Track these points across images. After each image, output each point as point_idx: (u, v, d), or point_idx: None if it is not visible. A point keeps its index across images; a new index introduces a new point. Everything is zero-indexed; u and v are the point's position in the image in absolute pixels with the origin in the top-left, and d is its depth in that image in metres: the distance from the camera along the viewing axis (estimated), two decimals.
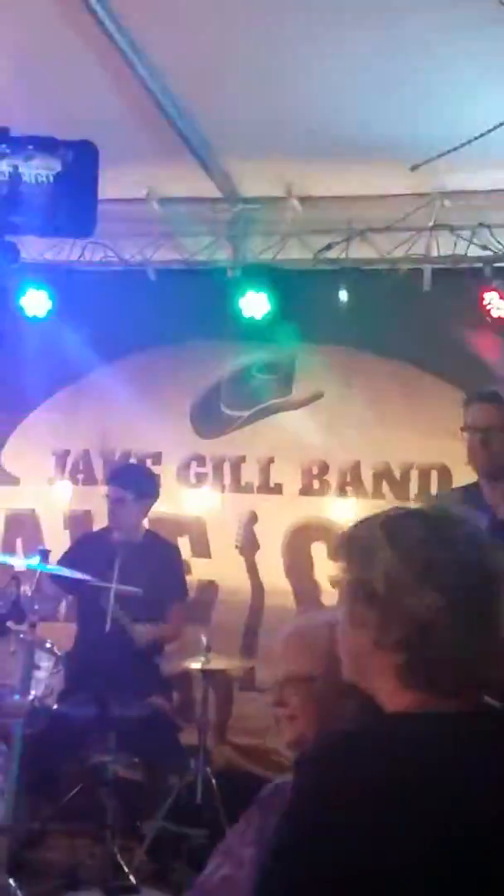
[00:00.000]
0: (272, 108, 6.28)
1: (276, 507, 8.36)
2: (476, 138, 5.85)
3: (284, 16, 5.39)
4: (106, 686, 6.52)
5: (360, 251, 7.55)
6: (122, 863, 6.05)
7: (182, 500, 8.55)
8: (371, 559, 2.31)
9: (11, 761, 5.94)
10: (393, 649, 2.26)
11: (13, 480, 8.97)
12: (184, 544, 8.31)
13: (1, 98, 5.94)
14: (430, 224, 7.29)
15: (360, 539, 2.38)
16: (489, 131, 5.83)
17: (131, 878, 5.98)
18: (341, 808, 2.13)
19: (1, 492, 8.99)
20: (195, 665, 6.69)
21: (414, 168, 6.38)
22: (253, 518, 8.35)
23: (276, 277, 7.74)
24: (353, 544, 2.40)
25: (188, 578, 8.01)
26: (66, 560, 7.33)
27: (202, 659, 6.65)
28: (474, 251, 7.30)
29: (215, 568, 8.43)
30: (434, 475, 7.79)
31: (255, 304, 7.72)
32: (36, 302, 8.04)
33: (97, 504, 7.93)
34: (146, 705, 6.88)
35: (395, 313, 7.78)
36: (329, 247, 7.52)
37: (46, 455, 8.89)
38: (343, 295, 7.61)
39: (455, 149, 6.01)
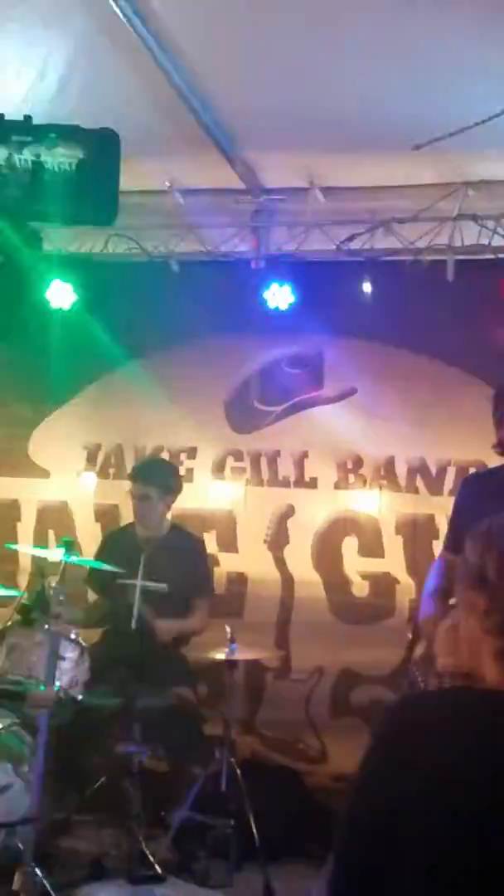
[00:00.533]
0: (295, 99, 6.26)
1: (311, 500, 8.38)
2: (485, 121, 5.82)
3: (307, 6, 5.37)
4: (131, 677, 6.55)
5: (384, 241, 7.54)
6: (148, 852, 6.05)
7: (213, 495, 8.58)
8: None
9: (37, 752, 5.95)
10: (494, 633, 2.31)
11: (43, 473, 9.00)
12: (210, 539, 8.33)
13: (25, 89, 5.96)
14: (454, 214, 7.27)
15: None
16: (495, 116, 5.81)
17: (157, 867, 5.98)
18: (383, 756, 2.27)
19: (32, 484, 9.02)
20: (220, 656, 6.70)
21: (416, 147, 6.34)
22: (289, 512, 8.37)
23: (299, 269, 7.75)
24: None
25: (216, 571, 8.05)
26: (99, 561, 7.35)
27: (227, 650, 6.66)
28: (498, 241, 7.28)
29: (243, 562, 8.45)
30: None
31: (278, 295, 7.75)
32: (61, 294, 8.05)
33: (125, 498, 7.93)
34: (171, 696, 6.90)
35: (419, 304, 7.78)
36: (352, 237, 7.52)
37: (77, 449, 8.93)
38: (367, 286, 7.61)
39: (462, 130, 5.97)
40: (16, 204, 2.50)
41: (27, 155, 2.45)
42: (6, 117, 3.01)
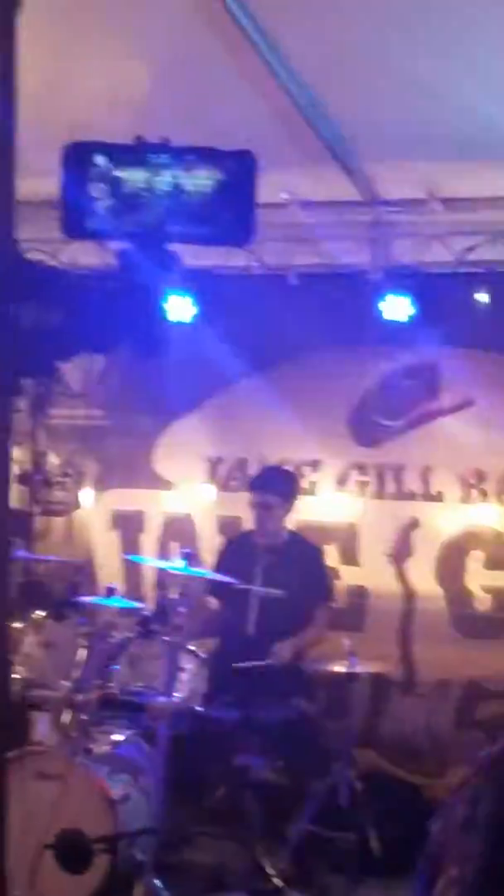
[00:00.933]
0: (413, 110, 6.24)
1: (436, 514, 8.35)
2: None
3: (426, 17, 5.35)
4: (249, 689, 6.56)
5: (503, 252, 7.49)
6: (267, 865, 6.06)
7: (335, 508, 8.57)
8: None
9: (157, 763, 5.99)
10: None
11: (166, 485, 9.07)
12: (331, 552, 8.33)
13: (144, 107, 6.02)
14: None
15: None
16: None
17: (276, 880, 5.99)
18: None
19: (155, 496, 9.11)
20: (340, 668, 6.68)
21: None
22: (413, 525, 8.35)
23: (417, 280, 7.70)
24: None
25: (337, 584, 8.05)
26: (216, 570, 7.38)
27: (347, 662, 6.65)
28: None
29: (364, 574, 8.43)
30: None
31: (396, 307, 7.69)
32: (179, 307, 8.09)
33: (247, 510, 7.95)
34: (290, 708, 6.90)
35: None
36: (471, 248, 7.47)
37: (199, 461, 8.98)
38: (485, 297, 7.55)
39: None
40: (154, 226, 2.54)
41: (166, 177, 2.48)
42: (146, 139, 3.04)
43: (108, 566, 8.93)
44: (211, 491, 8.94)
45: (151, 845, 5.85)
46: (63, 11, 5.25)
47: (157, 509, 9.09)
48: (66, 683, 6.37)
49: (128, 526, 9.11)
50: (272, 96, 6.12)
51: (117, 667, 6.49)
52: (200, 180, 2.53)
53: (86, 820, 5.80)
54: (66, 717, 6.33)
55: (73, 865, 5.70)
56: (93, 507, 9.21)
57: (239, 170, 2.59)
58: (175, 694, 6.18)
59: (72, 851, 5.68)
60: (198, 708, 6.46)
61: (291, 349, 8.52)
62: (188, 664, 6.49)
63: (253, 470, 8.64)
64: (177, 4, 5.33)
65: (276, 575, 7.16)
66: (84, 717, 6.37)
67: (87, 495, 9.22)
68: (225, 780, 6.57)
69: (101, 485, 9.22)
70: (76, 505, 9.22)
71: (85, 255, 6.86)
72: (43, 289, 2.25)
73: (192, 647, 6.60)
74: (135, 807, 6.10)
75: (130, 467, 9.14)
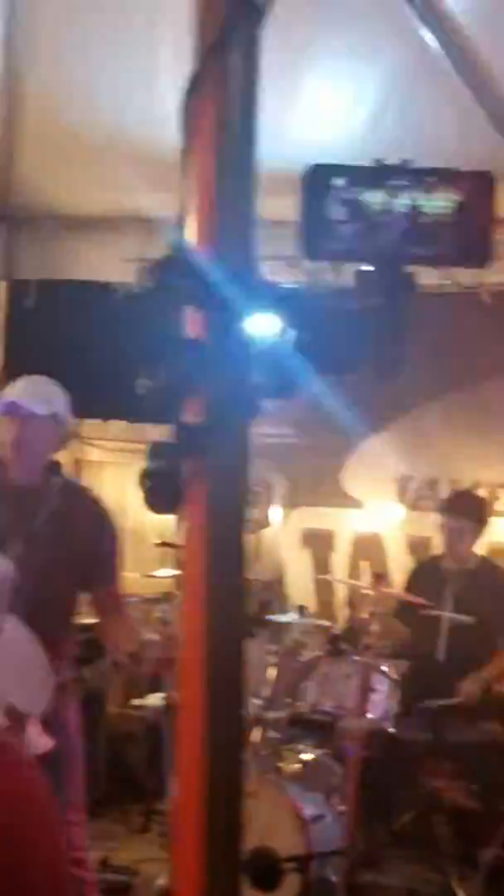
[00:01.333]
0: None
1: None
2: None
3: None
4: (442, 711, 6.49)
5: None
6: (459, 890, 5.99)
7: None
8: None
9: (348, 784, 5.97)
10: None
11: (356, 504, 9.06)
12: None
13: (340, 125, 6.03)
14: None
15: None
16: None
17: None
18: None
19: (345, 514, 9.11)
20: None
21: None
22: None
23: None
24: None
25: None
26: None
27: None
28: None
29: None
30: None
31: None
32: None
33: (437, 530, 7.88)
34: (482, 732, 6.81)
35: None
36: None
37: (388, 480, 8.94)
38: None
39: None
40: (392, 249, 2.53)
41: (404, 199, 2.48)
42: (385, 162, 3.09)
43: (299, 584, 8.96)
44: (400, 510, 8.90)
45: (342, 866, 5.83)
46: (285, 31, 5.29)
47: (346, 528, 9.09)
48: (257, 701, 6.41)
49: (318, 544, 9.12)
50: (466, 112, 6.03)
51: (307, 685, 6.49)
52: (439, 202, 2.53)
53: (277, 838, 5.79)
54: (257, 735, 6.36)
55: (264, 884, 5.69)
56: (282, 525, 9.25)
57: (476, 190, 2.58)
58: (366, 714, 6.16)
59: (263, 870, 5.69)
60: (389, 729, 6.42)
61: (486, 368, 8.42)
62: (380, 685, 6.46)
63: (443, 490, 8.58)
64: (394, 24, 5.30)
65: (467, 601, 7.07)
66: (274, 735, 6.39)
67: (276, 513, 9.26)
68: (415, 803, 6.51)
69: (291, 503, 9.25)
70: (266, 523, 9.27)
71: (282, 273, 6.90)
72: (283, 308, 2.26)
73: (384, 668, 6.57)
74: (326, 827, 6.07)
75: (320, 485, 9.14)
